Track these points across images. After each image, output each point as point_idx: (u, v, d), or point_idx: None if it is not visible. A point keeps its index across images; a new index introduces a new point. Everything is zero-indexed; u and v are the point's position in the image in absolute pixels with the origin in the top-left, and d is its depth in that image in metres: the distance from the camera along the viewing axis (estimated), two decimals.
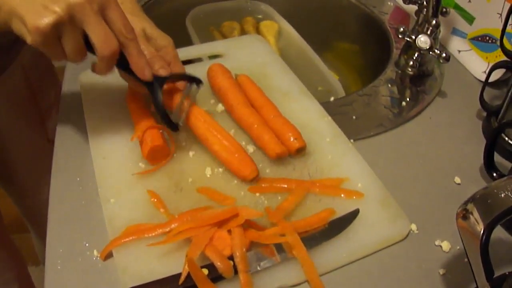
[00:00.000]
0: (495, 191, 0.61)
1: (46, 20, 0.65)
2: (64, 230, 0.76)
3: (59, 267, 0.71)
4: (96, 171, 0.83)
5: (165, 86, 0.85)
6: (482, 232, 0.57)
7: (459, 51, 1.21)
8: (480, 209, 0.59)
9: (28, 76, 1.19)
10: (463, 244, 0.61)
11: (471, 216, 0.59)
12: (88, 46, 0.72)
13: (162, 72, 0.83)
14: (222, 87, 0.93)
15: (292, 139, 0.85)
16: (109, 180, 0.81)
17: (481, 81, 1.13)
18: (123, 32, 0.73)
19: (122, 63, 0.76)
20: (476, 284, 0.60)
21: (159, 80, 0.82)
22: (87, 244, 0.74)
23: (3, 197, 1.39)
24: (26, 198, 1.40)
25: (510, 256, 0.76)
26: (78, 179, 0.84)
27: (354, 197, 0.80)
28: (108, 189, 0.80)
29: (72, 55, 0.72)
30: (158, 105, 0.82)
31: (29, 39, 0.67)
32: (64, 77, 1.06)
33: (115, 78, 0.84)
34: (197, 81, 0.91)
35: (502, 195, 0.59)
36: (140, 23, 0.88)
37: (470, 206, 0.60)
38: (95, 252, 0.73)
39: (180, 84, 0.89)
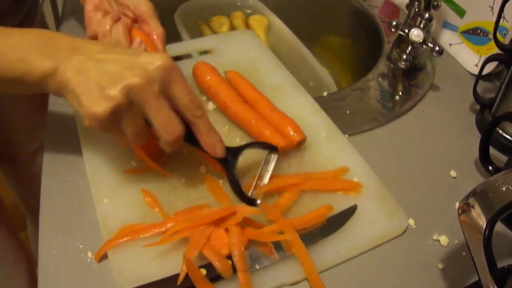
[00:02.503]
0: (496, 184, 0.60)
1: (103, 107, 0.62)
2: (56, 232, 0.75)
3: (52, 270, 0.70)
4: (88, 171, 0.81)
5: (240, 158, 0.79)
6: (484, 226, 0.57)
7: (451, 45, 1.21)
8: (482, 203, 0.59)
9: None
10: (465, 238, 0.61)
11: (472, 210, 0.59)
12: None
13: (135, 46, 0.82)
14: (212, 85, 0.92)
15: (292, 132, 0.84)
16: (102, 180, 0.80)
17: (473, 74, 1.14)
18: (190, 109, 0.69)
19: (190, 137, 0.72)
20: (479, 277, 0.59)
21: (233, 152, 0.78)
22: (80, 246, 0.73)
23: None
24: (26, 182, 1.40)
25: (507, 249, 0.77)
26: (70, 179, 0.82)
27: (352, 194, 0.80)
28: (101, 189, 0.78)
29: (133, 138, 0.68)
30: (233, 181, 0.78)
31: (85, 123, 0.64)
32: None
33: None
34: (273, 148, 0.82)
35: (503, 188, 0.59)
36: None
37: (471, 201, 0.60)
38: (89, 254, 0.71)
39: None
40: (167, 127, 0.66)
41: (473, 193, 0.60)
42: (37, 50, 0.65)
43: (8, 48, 0.65)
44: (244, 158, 0.80)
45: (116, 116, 0.64)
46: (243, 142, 0.86)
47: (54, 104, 0.96)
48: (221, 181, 0.81)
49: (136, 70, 0.63)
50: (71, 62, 0.64)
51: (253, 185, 0.79)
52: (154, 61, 0.65)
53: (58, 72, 0.64)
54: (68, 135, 0.89)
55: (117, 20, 0.86)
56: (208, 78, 0.93)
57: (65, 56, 0.65)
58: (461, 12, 1.17)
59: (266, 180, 0.79)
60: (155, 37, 0.88)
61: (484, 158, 0.87)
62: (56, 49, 0.66)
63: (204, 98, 0.95)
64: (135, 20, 0.89)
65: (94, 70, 0.63)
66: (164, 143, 0.69)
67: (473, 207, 0.59)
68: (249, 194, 0.78)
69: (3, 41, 0.66)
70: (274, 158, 0.81)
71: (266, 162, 0.81)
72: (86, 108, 0.62)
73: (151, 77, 0.64)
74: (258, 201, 0.78)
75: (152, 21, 0.88)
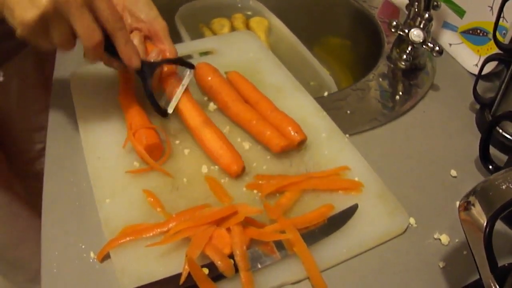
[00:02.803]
0: (496, 183, 0.61)
1: (31, 13, 0.66)
2: (59, 233, 0.75)
3: (55, 271, 0.70)
4: (90, 171, 0.81)
5: (157, 71, 0.86)
6: (485, 224, 0.57)
7: (450, 45, 1.21)
8: (482, 201, 0.59)
9: (41, 61, 1.21)
10: (465, 236, 0.61)
11: (473, 208, 0.59)
12: None
13: (153, 57, 0.86)
14: (213, 85, 0.92)
15: (292, 132, 0.84)
16: (104, 180, 0.80)
17: (473, 74, 1.14)
18: (110, 21, 0.74)
19: (111, 48, 0.77)
20: (480, 275, 0.60)
21: (149, 66, 0.84)
22: (83, 246, 0.73)
23: None
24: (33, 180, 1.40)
25: (508, 248, 0.77)
26: (71, 179, 0.82)
27: (353, 193, 0.80)
28: (103, 189, 0.78)
29: (60, 46, 0.73)
30: (147, 91, 0.83)
31: (17, 32, 0.68)
32: (54, 75, 1.04)
33: (106, 76, 0.84)
34: (189, 65, 0.90)
35: (504, 186, 0.59)
36: None
37: (472, 199, 0.60)
38: (92, 254, 0.72)
39: (171, 68, 0.91)
40: (87, 34, 0.71)
41: (473, 191, 0.60)
42: None
43: None
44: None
45: (44, 23, 0.68)
46: (244, 143, 0.86)
47: (56, 105, 0.96)
48: (222, 180, 0.81)
49: None
50: None
51: (166, 96, 0.88)
52: None
53: None
54: (69, 135, 0.89)
55: (130, 32, 0.89)
56: (210, 78, 0.93)
57: None
58: (460, 12, 1.17)
59: (179, 94, 0.88)
60: (168, 54, 0.91)
61: (485, 157, 0.87)
62: None
63: (206, 98, 0.96)
64: (148, 37, 0.93)
65: None
66: (86, 49, 0.74)
67: (473, 205, 0.59)
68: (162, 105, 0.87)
69: None
70: (190, 74, 0.91)
71: (181, 77, 0.90)
72: (17, 18, 0.67)
73: None
74: (169, 111, 0.87)
75: (166, 39, 0.91)
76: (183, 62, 0.90)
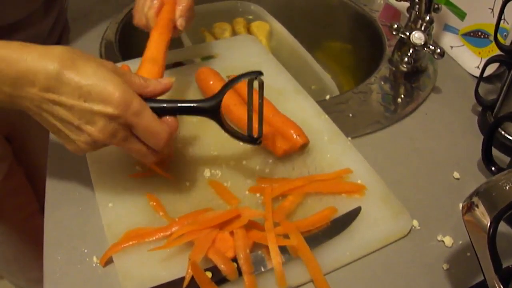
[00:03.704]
0: (499, 183, 0.60)
1: (82, 149, 0.68)
2: (61, 237, 0.75)
3: (58, 275, 0.70)
4: (93, 175, 0.81)
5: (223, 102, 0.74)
6: (489, 225, 0.57)
7: (452, 47, 1.21)
8: (486, 202, 0.59)
9: None
10: (469, 238, 0.61)
11: (476, 209, 0.59)
12: None
13: (180, 23, 0.89)
14: (215, 90, 0.92)
15: (295, 136, 0.84)
16: (106, 184, 0.80)
17: (474, 76, 1.14)
18: (159, 148, 0.70)
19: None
20: (484, 277, 0.59)
21: (212, 103, 0.73)
22: (86, 251, 0.73)
23: None
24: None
25: (511, 248, 0.77)
26: (74, 184, 0.82)
27: (356, 196, 0.79)
28: (105, 193, 0.79)
29: (140, 158, 0.72)
30: (229, 130, 0.74)
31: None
32: None
33: None
34: (254, 73, 0.74)
35: (507, 187, 0.59)
36: None
37: (475, 200, 0.60)
38: (95, 259, 0.72)
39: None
40: (142, 158, 0.71)
41: (476, 192, 0.60)
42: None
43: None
44: None
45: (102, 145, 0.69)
46: (247, 147, 0.86)
47: None
48: (225, 184, 0.81)
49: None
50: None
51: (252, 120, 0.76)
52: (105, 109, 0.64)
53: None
54: None
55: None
56: (211, 82, 0.93)
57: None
58: (461, 15, 1.17)
59: (261, 111, 0.76)
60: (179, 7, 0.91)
61: (487, 159, 0.87)
62: None
63: None
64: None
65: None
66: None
67: (477, 206, 0.59)
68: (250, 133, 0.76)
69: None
70: (260, 82, 0.75)
71: (250, 91, 0.76)
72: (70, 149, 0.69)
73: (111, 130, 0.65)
74: (259, 137, 0.76)
75: None
76: (246, 73, 0.75)
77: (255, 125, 0.76)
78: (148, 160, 0.72)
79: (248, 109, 0.75)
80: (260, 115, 0.76)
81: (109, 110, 0.63)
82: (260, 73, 0.73)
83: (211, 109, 0.72)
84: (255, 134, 0.76)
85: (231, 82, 0.74)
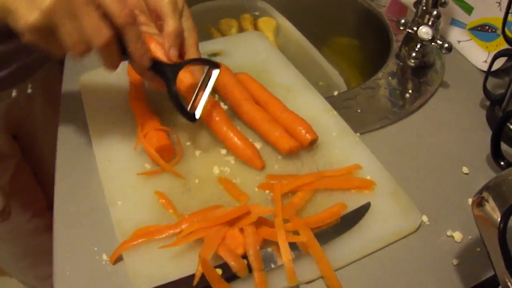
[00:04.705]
0: (509, 178, 0.60)
1: (34, 14, 0.62)
2: (71, 235, 0.75)
3: (67, 273, 0.70)
4: (101, 173, 0.82)
5: (180, 72, 0.79)
6: (499, 219, 0.57)
7: (459, 42, 1.20)
8: (496, 196, 0.59)
9: None
10: (479, 233, 0.61)
11: (486, 204, 0.59)
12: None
13: (173, 54, 0.80)
14: (227, 84, 0.92)
15: (303, 132, 0.84)
16: (115, 182, 0.80)
17: (482, 70, 1.13)
18: (118, 15, 0.67)
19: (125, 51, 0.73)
20: (495, 272, 0.59)
21: (173, 67, 0.78)
22: (95, 248, 0.73)
23: None
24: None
25: None
26: (83, 182, 0.82)
27: (365, 191, 0.79)
28: (114, 191, 0.79)
29: (72, 49, 0.67)
30: (172, 95, 0.77)
31: (25, 37, 0.65)
32: (64, 79, 1.05)
33: (116, 78, 0.83)
34: (215, 65, 0.82)
35: None
36: None
37: (485, 194, 0.60)
38: (104, 256, 0.72)
39: (197, 69, 0.84)
40: (94, 32, 0.65)
41: (486, 187, 0.60)
42: None
43: None
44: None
45: (49, 25, 0.63)
46: (255, 143, 0.86)
47: (66, 108, 0.97)
48: (234, 181, 0.81)
49: None
50: None
51: (192, 99, 0.80)
52: None
53: None
54: (80, 138, 0.89)
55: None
56: (223, 77, 0.93)
57: None
58: (468, 9, 1.16)
59: (205, 95, 0.81)
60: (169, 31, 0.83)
61: (496, 153, 0.86)
62: None
63: (216, 98, 0.95)
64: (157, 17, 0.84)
65: None
66: (96, 49, 0.68)
67: (487, 201, 0.59)
68: (188, 108, 0.80)
69: None
70: (215, 73, 0.83)
71: (206, 78, 0.82)
72: (21, 20, 0.63)
73: None
74: (197, 115, 0.80)
75: (166, 16, 0.82)
76: (209, 61, 0.83)
77: (202, 105, 0.81)
78: (97, 40, 0.66)
79: (199, 88, 0.81)
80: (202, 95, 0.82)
81: None
82: (218, 66, 0.83)
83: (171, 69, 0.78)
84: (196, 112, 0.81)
85: (191, 61, 0.81)
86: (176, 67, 0.78)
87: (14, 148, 1.21)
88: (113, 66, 0.72)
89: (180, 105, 0.78)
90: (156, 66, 0.76)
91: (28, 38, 0.65)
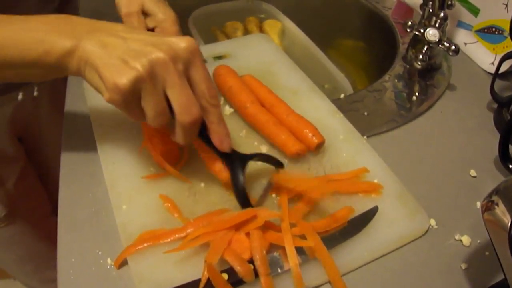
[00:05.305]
0: None
1: (126, 77, 0.60)
2: (75, 239, 0.75)
3: (72, 277, 0.70)
4: (106, 177, 0.81)
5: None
6: (510, 223, 0.56)
7: (466, 44, 1.20)
8: (506, 200, 0.58)
9: None
10: (489, 237, 0.60)
11: (496, 208, 0.58)
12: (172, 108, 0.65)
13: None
14: (232, 86, 0.91)
15: (310, 135, 0.83)
16: (120, 186, 0.79)
17: (489, 73, 1.13)
18: (206, 96, 0.67)
19: (201, 131, 0.71)
20: (505, 276, 0.59)
21: (242, 158, 0.76)
22: (100, 253, 0.72)
23: None
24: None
25: None
26: (87, 186, 0.82)
27: (372, 195, 0.79)
28: (119, 195, 0.78)
29: (152, 117, 0.65)
30: (238, 188, 0.74)
31: (106, 96, 0.63)
32: (68, 81, 1.04)
33: None
34: (278, 163, 0.80)
35: None
36: None
37: (495, 198, 0.59)
38: (109, 261, 0.71)
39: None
40: (186, 107, 0.64)
41: (496, 191, 0.59)
42: (57, 31, 0.64)
43: (27, 32, 0.64)
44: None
45: (137, 89, 0.62)
46: (261, 146, 0.86)
47: (70, 111, 0.96)
48: None
49: (162, 47, 0.62)
50: (93, 38, 0.63)
51: (259, 197, 0.77)
52: (180, 42, 0.64)
53: (79, 49, 0.63)
54: (85, 141, 0.89)
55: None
56: (229, 79, 0.93)
57: (86, 33, 0.64)
58: (475, 11, 1.16)
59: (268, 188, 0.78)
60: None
61: (504, 156, 0.86)
62: (76, 29, 0.65)
63: (221, 101, 0.95)
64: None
65: (118, 45, 0.62)
66: (179, 125, 0.66)
67: (497, 204, 0.58)
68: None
69: (21, 26, 0.65)
70: (275, 171, 0.80)
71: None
72: (108, 80, 0.61)
73: (176, 55, 0.62)
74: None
75: (171, 31, 0.85)
76: (273, 159, 0.80)
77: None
78: (187, 118, 0.65)
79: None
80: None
81: (184, 43, 0.64)
82: (282, 166, 0.80)
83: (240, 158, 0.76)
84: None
85: (258, 155, 0.79)
86: (245, 157, 0.76)
87: (19, 151, 1.21)
88: (186, 143, 0.70)
89: (245, 200, 0.75)
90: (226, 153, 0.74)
91: (110, 99, 0.63)
